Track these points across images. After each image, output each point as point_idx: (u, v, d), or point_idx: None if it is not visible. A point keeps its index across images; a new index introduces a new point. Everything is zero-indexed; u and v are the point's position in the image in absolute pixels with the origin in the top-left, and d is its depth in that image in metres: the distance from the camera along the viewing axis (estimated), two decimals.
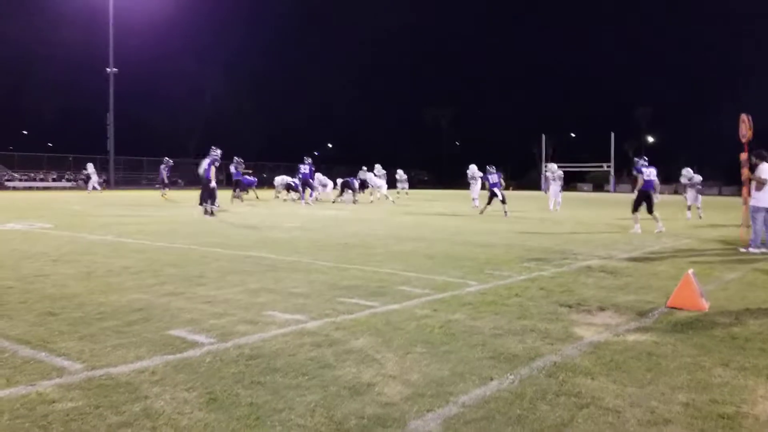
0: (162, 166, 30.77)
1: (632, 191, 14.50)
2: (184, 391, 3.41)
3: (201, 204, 15.82)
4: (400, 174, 36.24)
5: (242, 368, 3.82)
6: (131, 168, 56.37)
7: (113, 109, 47.20)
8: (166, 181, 30.76)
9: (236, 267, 7.91)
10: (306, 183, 26.19)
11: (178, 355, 4.06)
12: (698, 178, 19.77)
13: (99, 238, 11.18)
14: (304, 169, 26.04)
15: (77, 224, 14.08)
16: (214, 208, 15.50)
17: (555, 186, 23.25)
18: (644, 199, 14.13)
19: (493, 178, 19.88)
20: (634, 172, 14.60)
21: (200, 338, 4.47)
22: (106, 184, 47.29)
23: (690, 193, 19.31)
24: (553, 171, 23.72)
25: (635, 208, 14.30)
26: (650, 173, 14.13)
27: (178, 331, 4.65)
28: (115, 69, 46.84)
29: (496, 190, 19.55)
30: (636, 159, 14.94)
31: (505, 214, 19.10)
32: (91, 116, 59.14)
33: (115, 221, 15.11)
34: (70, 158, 53.16)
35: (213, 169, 15.58)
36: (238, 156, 27.15)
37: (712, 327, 5.11)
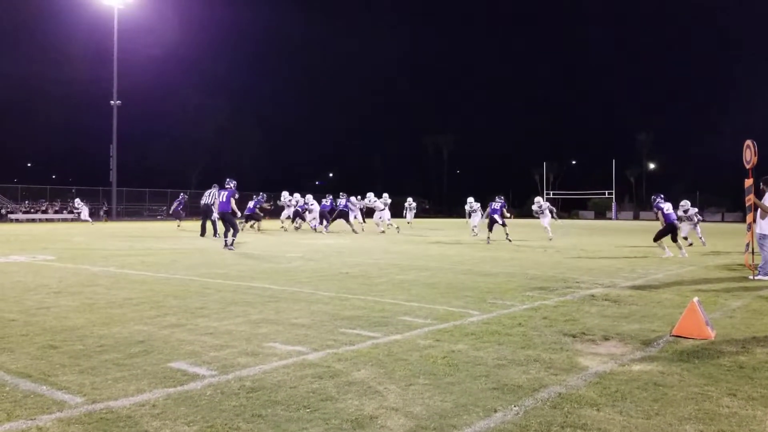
0: (177, 200, 32.64)
1: (661, 224, 15.44)
2: (184, 425, 3.38)
3: (215, 236, 15.74)
4: (410, 202, 34.08)
5: (243, 401, 3.78)
6: (134, 199, 56.53)
7: (116, 142, 47.50)
8: (181, 213, 32.48)
9: (238, 298, 7.88)
10: (323, 215, 27.33)
11: (179, 388, 4.02)
12: (693, 210, 19.69)
13: (101, 269, 11.16)
14: (326, 201, 27.87)
15: (79, 256, 14.08)
16: (233, 240, 15.39)
17: (545, 219, 22.78)
18: (670, 231, 15.28)
19: (495, 205, 20.10)
20: (655, 209, 15.80)
21: (201, 371, 4.44)
22: (107, 216, 47.45)
23: (685, 226, 19.19)
24: (540, 205, 22.97)
25: (658, 237, 15.44)
26: (668, 207, 15.43)
27: (179, 364, 4.62)
28: (119, 101, 47.25)
29: (496, 216, 19.88)
30: (653, 197, 16.21)
31: (507, 238, 19.51)
32: (95, 149, 59.60)
33: (117, 253, 15.11)
34: (73, 190, 53.37)
35: (233, 201, 15.60)
36: (261, 192, 28.81)
37: (718, 356, 5.06)
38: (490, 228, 20.22)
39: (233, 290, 8.58)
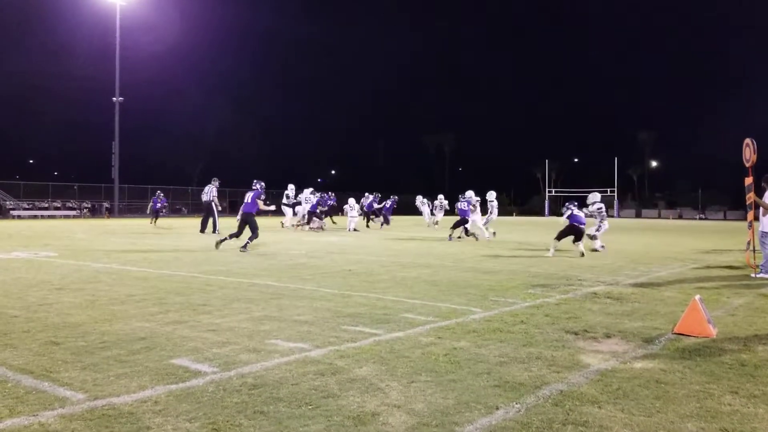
0: (154, 198, 31.78)
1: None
2: (186, 421, 3.38)
3: (234, 236, 15.44)
4: (440, 199, 30.36)
5: (245, 398, 3.78)
6: (136, 196, 56.55)
7: (119, 138, 47.50)
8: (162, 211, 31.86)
9: (240, 295, 7.89)
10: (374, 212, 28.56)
11: (181, 385, 4.02)
12: (597, 207, 17.35)
13: (103, 266, 11.18)
14: (366, 200, 29.13)
15: (81, 253, 14.09)
16: (251, 242, 15.25)
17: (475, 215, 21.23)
18: (570, 232, 14.56)
19: (462, 205, 20.02)
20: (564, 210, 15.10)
21: (203, 367, 4.44)
22: (109, 213, 47.50)
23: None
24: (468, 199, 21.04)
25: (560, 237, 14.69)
26: (577, 211, 14.78)
27: (181, 360, 4.62)
28: (121, 98, 47.26)
29: (467, 217, 19.82)
30: (566, 204, 15.25)
31: (474, 235, 19.50)
32: (97, 145, 59.68)
33: (119, 249, 15.12)
34: (75, 187, 53.45)
35: (260, 203, 15.55)
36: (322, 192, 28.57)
37: (720, 354, 5.05)
38: (457, 226, 20.18)
39: (236, 287, 8.58)
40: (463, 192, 21.03)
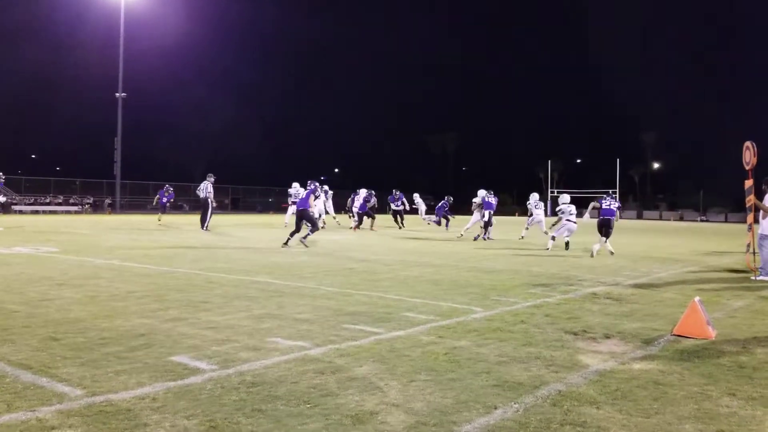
0: (161, 192, 30.42)
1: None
2: (184, 418, 3.38)
3: (293, 235, 15.73)
4: (416, 197, 31.68)
5: (243, 396, 3.78)
6: (138, 192, 56.59)
7: (121, 134, 47.52)
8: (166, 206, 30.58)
9: (241, 292, 7.89)
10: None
11: (180, 382, 4.03)
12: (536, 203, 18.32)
13: (104, 262, 11.19)
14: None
15: (83, 248, 14.11)
16: (307, 235, 15.69)
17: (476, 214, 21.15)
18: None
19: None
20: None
21: (202, 365, 4.44)
22: (111, 209, 47.54)
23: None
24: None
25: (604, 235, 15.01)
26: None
27: (180, 358, 4.62)
28: (124, 93, 47.25)
29: (443, 214, 20.07)
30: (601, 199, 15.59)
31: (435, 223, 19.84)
32: (100, 141, 59.73)
33: (121, 245, 15.14)
34: (77, 182, 53.49)
35: (312, 198, 15.99)
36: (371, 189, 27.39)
37: (719, 356, 5.05)
38: (439, 223, 20.46)
39: (236, 285, 8.59)
40: (475, 192, 21.01)
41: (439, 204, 28.30)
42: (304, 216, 15.51)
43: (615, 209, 15.12)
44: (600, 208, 14.97)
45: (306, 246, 15.02)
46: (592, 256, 14.15)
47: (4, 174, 24.78)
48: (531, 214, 21.77)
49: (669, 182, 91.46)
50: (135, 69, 56.24)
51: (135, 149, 60.90)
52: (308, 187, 16.65)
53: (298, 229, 15.47)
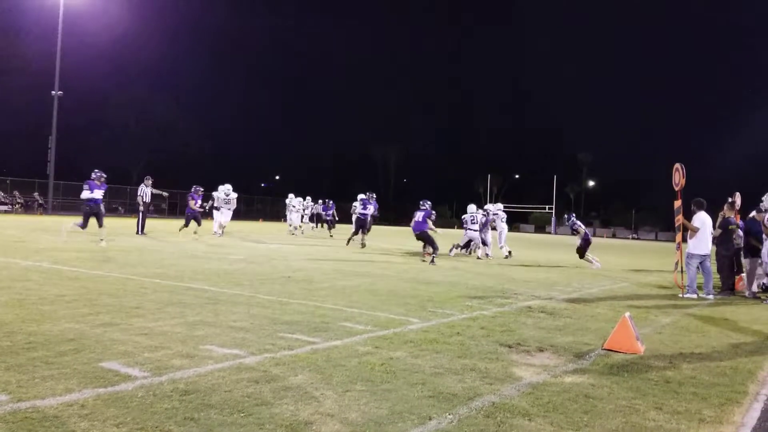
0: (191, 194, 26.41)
1: None
2: (113, 426, 3.29)
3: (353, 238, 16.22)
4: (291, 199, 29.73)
5: (176, 404, 3.71)
6: (71, 193, 54.71)
7: (56, 133, 46.01)
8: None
9: (175, 299, 7.73)
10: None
11: (110, 389, 3.92)
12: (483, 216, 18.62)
13: (33, 264, 10.79)
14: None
15: (11, 249, 13.57)
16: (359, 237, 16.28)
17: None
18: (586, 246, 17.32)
19: (370, 208, 20.53)
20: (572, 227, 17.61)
21: (133, 371, 4.33)
22: (43, 209, 45.91)
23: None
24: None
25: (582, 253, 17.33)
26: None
27: (110, 364, 4.50)
28: (60, 92, 45.79)
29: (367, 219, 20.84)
30: (566, 215, 18.20)
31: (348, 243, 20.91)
32: (33, 139, 57.62)
33: (51, 247, 14.62)
34: (8, 181, 51.45)
35: (430, 222, 16.33)
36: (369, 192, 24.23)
37: (646, 370, 5.22)
38: (356, 232, 21.04)
39: (171, 291, 8.41)
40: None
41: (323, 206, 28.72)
42: (422, 237, 16.13)
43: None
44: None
45: (433, 264, 15.15)
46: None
47: None
48: (466, 228, 21.55)
49: (603, 200, 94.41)
50: (72, 66, 54.50)
51: (70, 149, 58.97)
52: (422, 208, 16.63)
53: (424, 247, 16.59)
